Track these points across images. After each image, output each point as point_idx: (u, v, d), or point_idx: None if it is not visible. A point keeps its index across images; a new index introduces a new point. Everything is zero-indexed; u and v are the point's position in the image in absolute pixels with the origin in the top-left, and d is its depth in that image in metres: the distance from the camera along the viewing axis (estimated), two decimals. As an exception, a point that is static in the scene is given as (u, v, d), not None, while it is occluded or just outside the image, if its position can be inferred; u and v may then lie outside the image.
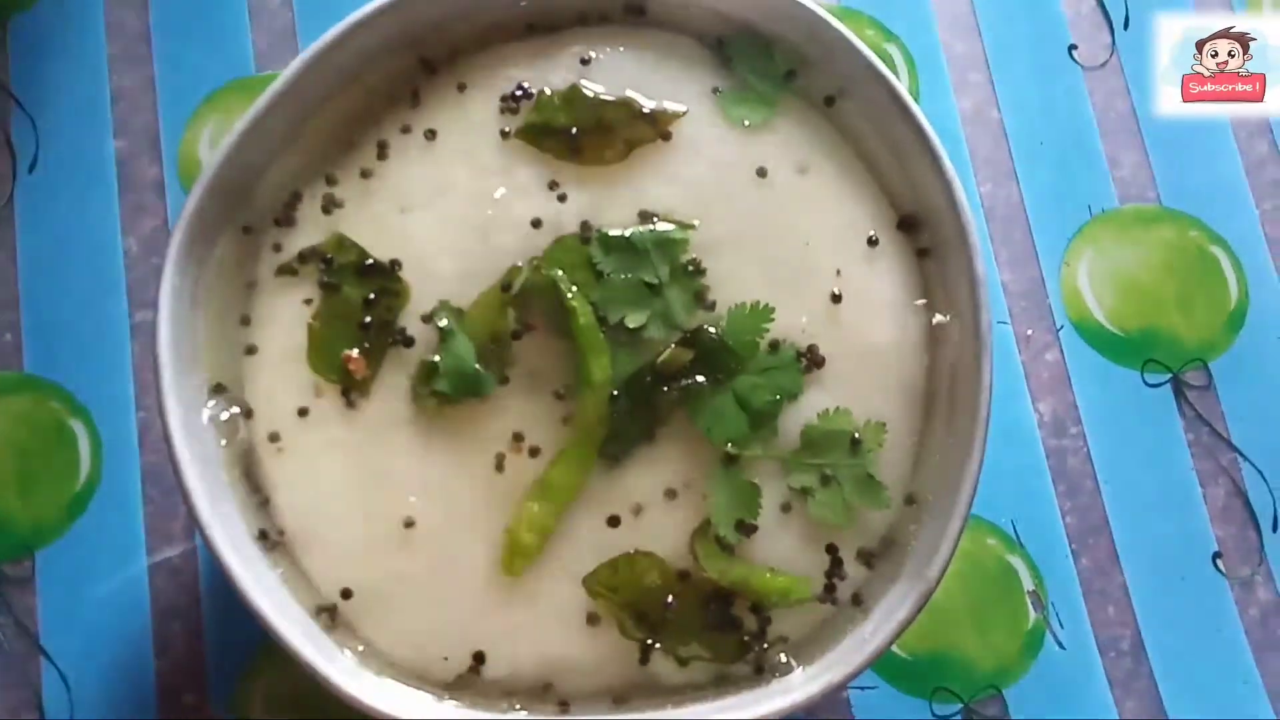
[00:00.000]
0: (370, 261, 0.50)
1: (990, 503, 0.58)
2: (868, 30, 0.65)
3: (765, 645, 0.47)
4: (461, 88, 0.52)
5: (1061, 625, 0.58)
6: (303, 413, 0.49)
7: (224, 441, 0.48)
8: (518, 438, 0.49)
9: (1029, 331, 0.62)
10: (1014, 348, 0.61)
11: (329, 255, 0.50)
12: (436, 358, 0.49)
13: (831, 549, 0.48)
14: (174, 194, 0.62)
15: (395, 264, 0.50)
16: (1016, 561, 0.58)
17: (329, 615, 0.48)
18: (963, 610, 0.57)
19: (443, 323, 0.49)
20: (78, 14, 0.65)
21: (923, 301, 0.50)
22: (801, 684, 0.45)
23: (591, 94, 0.51)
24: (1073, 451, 0.60)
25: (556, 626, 0.47)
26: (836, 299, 0.50)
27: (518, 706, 0.47)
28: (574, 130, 0.50)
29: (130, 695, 0.56)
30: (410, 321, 0.50)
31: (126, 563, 0.57)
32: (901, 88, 0.48)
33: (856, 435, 0.48)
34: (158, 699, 0.56)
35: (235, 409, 0.49)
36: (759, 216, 0.50)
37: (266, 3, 0.65)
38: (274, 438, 0.49)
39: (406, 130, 0.51)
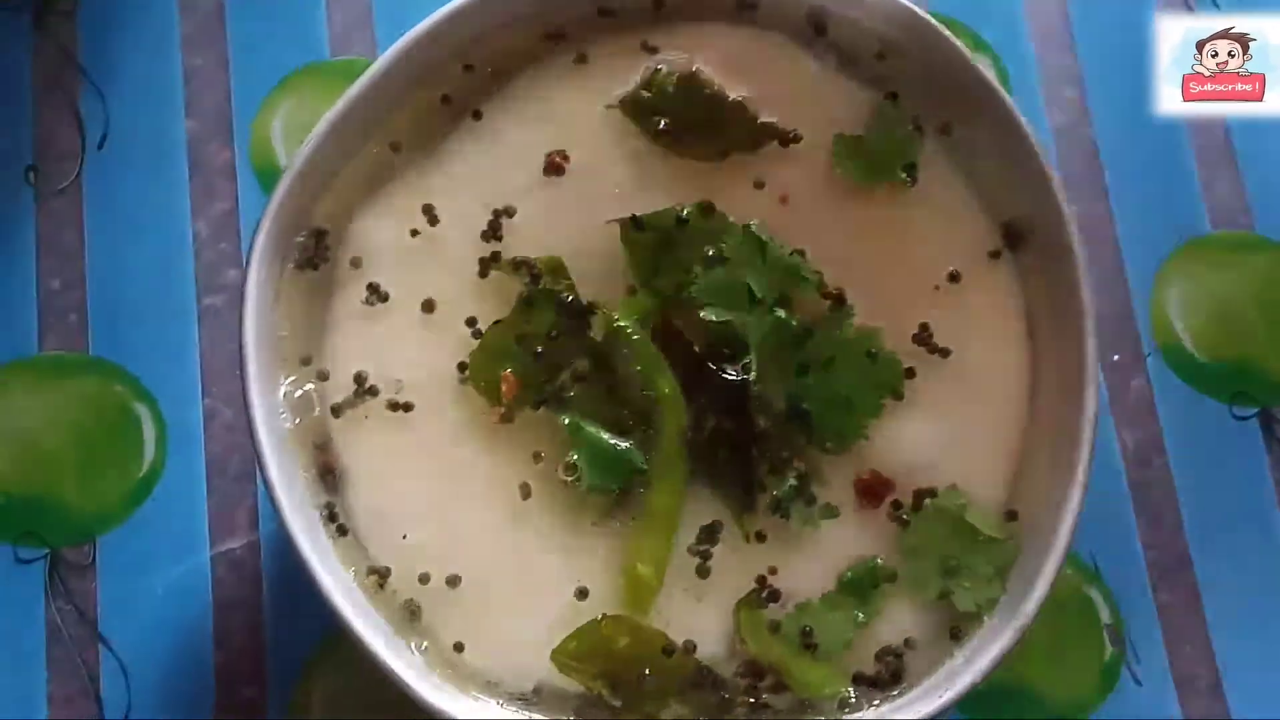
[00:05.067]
0: (571, 299, 0.47)
1: (1070, 532, 0.57)
2: (961, 37, 0.64)
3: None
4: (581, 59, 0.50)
5: (1139, 661, 0.56)
6: (394, 407, 0.47)
7: (307, 438, 0.47)
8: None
9: (1115, 357, 0.60)
10: (1099, 373, 0.60)
11: (539, 272, 0.48)
12: (575, 457, 0.46)
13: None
14: (245, 178, 0.61)
15: (592, 307, 0.47)
16: (1094, 594, 0.57)
17: (408, 614, 0.46)
18: (1037, 641, 0.56)
19: (567, 421, 0.47)
20: (150, -14, 0.64)
21: (1024, 325, 0.49)
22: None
23: (711, 88, 0.49)
24: (1156, 483, 0.58)
25: None
26: (939, 309, 0.48)
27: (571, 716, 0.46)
28: (679, 116, 0.48)
29: (189, 686, 0.55)
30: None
31: (189, 553, 0.56)
32: (1017, 111, 0.47)
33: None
34: (216, 691, 0.55)
35: (316, 399, 0.48)
36: (856, 234, 0.49)
37: (343, -16, 0.64)
38: (354, 436, 0.47)
39: (477, 116, 0.50)
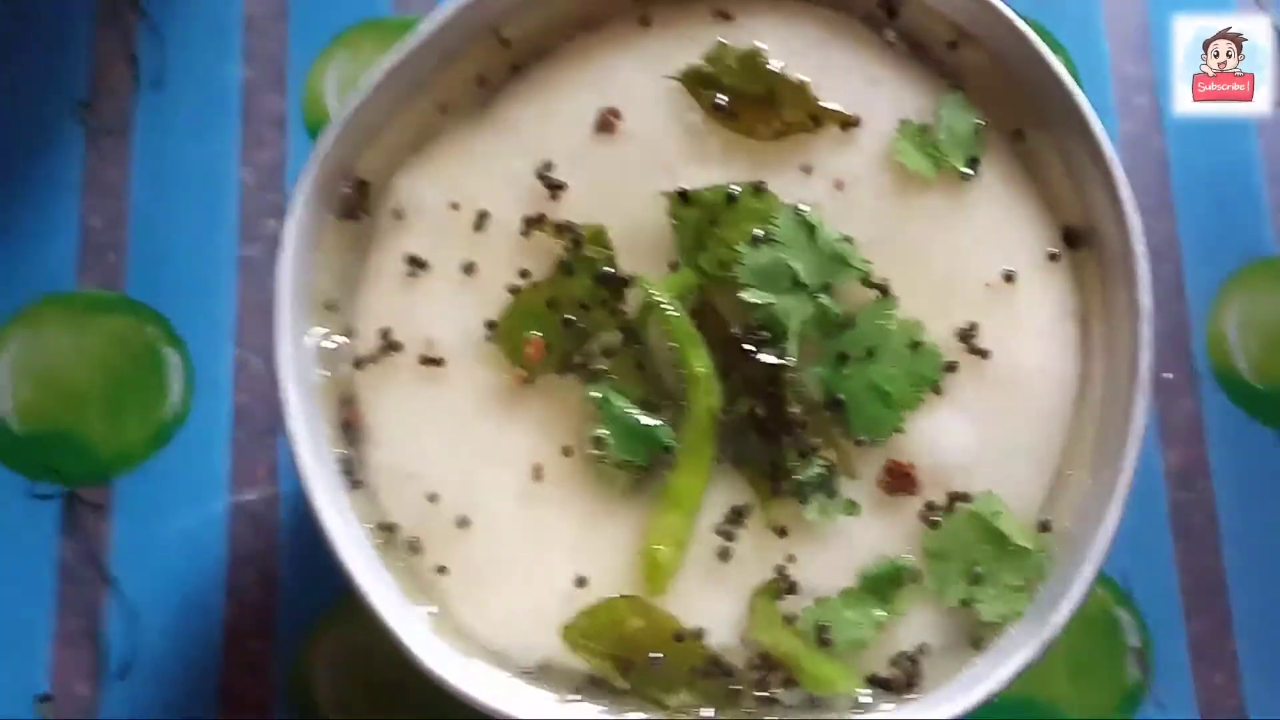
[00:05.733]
0: (611, 272, 0.46)
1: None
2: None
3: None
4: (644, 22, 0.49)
5: (1163, 688, 0.55)
6: (425, 361, 0.47)
7: (333, 391, 0.47)
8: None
9: (1166, 375, 0.58)
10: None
11: (582, 239, 0.46)
12: (603, 431, 0.46)
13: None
14: (295, 130, 0.61)
15: (630, 280, 0.46)
16: (1123, 615, 0.55)
17: (409, 550, 0.46)
18: (1059, 659, 0.54)
19: (595, 395, 0.46)
20: (209, -73, 0.63)
21: (1077, 328, 0.47)
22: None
23: (774, 66, 0.47)
24: (1198, 507, 0.57)
25: None
26: (989, 309, 0.46)
27: (577, 696, 0.45)
28: (739, 93, 0.47)
29: (196, 635, 0.55)
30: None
31: (206, 501, 0.56)
32: (1093, 114, 0.45)
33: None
34: (224, 642, 0.54)
35: (345, 354, 0.47)
36: (908, 225, 0.47)
37: (409, -60, 0.63)
38: (379, 390, 0.47)
39: (523, 71, 0.49)
